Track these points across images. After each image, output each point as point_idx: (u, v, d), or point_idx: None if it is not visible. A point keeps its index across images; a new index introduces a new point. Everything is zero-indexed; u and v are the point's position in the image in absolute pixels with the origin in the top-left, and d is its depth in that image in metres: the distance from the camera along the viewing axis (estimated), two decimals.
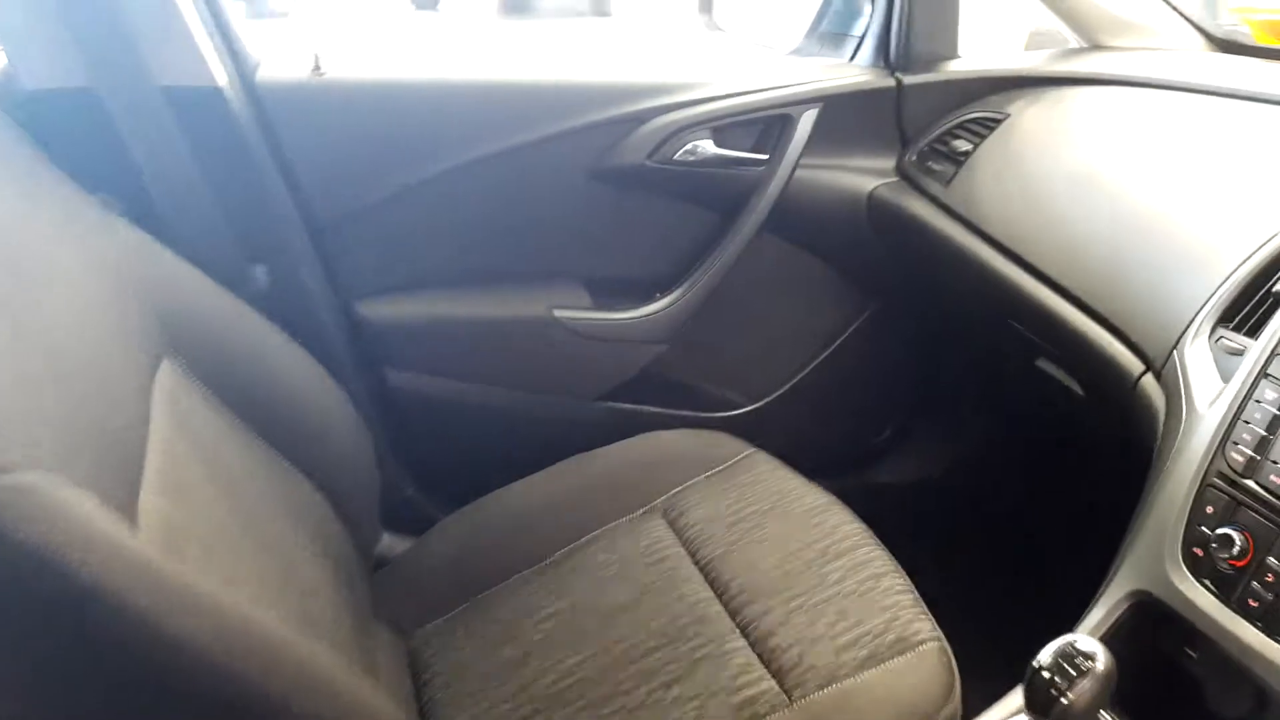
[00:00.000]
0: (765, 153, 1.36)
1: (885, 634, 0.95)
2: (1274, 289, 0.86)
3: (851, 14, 1.42)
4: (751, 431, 1.30)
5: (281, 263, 1.29)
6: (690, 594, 1.03)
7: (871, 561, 1.04)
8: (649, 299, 1.45)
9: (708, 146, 1.34)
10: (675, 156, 1.34)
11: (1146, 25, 1.35)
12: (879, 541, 1.07)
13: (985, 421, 1.72)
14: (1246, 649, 0.76)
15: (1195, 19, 1.36)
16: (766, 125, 1.36)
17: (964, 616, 1.06)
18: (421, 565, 1.17)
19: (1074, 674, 0.69)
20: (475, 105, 1.32)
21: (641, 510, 1.16)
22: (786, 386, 1.63)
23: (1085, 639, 0.71)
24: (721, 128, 1.34)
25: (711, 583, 1.05)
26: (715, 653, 0.96)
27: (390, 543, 1.42)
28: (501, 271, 1.44)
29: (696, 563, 1.08)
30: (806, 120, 1.34)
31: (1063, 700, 0.69)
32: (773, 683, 0.92)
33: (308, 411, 1.01)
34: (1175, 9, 1.34)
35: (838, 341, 1.62)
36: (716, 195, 1.41)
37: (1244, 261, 0.90)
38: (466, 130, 1.31)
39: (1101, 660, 0.69)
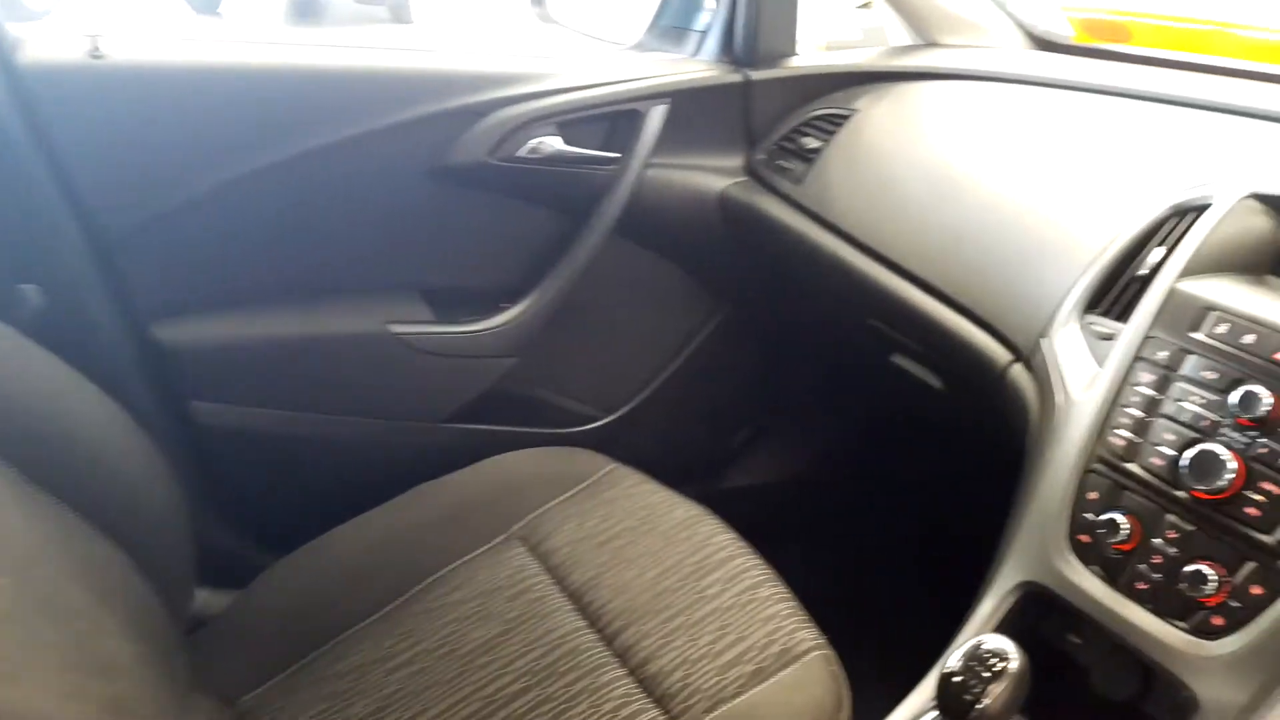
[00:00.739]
0: (613, 150, 1.29)
1: (769, 647, 0.92)
2: (1138, 272, 0.87)
3: (693, 9, 1.39)
4: (610, 445, 1.24)
5: (57, 282, 1.11)
6: (560, 625, 0.96)
7: (748, 571, 1.01)
8: (495, 310, 1.35)
9: (554, 143, 1.25)
10: (519, 154, 1.24)
11: (978, 23, 1.39)
12: (753, 550, 1.04)
13: (841, 419, 1.73)
14: (1137, 631, 0.76)
15: (1019, 18, 1.41)
16: (613, 122, 1.29)
17: (842, 618, 1.04)
18: (247, 622, 1.03)
19: (987, 676, 0.66)
20: (291, 94, 1.17)
21: (499, 539, 1.08)
22: (643, 395, 1.57)
23: (993, 638, 0.69)
24: (568, 123, 1.26)
25: (583, 610, 0.98)
26: (592, 686, 0.90)
27: (208, 599, 1.25)
28: (327, 284, 1.29)
29: (565, 590, 1.01)
30: (656, 116, 1.29)
31: (979, 705, 0.66)
32: (657, 711, 0.87)
33: (101, 458, 0.85)
34: (1003, 8, 1.39)
35: (693, 345, 1.57)
36: (564, 196, 1.33)
37: (1106, 247, 0.91)
38: (282, 123, 1.16)
39: (1014, 661, 0.67)
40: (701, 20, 1.36)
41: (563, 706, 0.87)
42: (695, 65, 1.36)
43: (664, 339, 1.57)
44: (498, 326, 1.34)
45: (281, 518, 1.24)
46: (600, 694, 0.89)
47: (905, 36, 1.43)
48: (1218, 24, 1.23)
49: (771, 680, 0.89)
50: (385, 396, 1.36)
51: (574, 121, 1.27)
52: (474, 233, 1.34)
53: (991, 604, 0.85)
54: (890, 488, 1.66)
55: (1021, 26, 1.41)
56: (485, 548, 1.07)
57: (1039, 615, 0.84)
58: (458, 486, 1.16)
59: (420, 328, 1.33)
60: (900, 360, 1.23)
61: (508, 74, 1.25)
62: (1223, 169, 0.90)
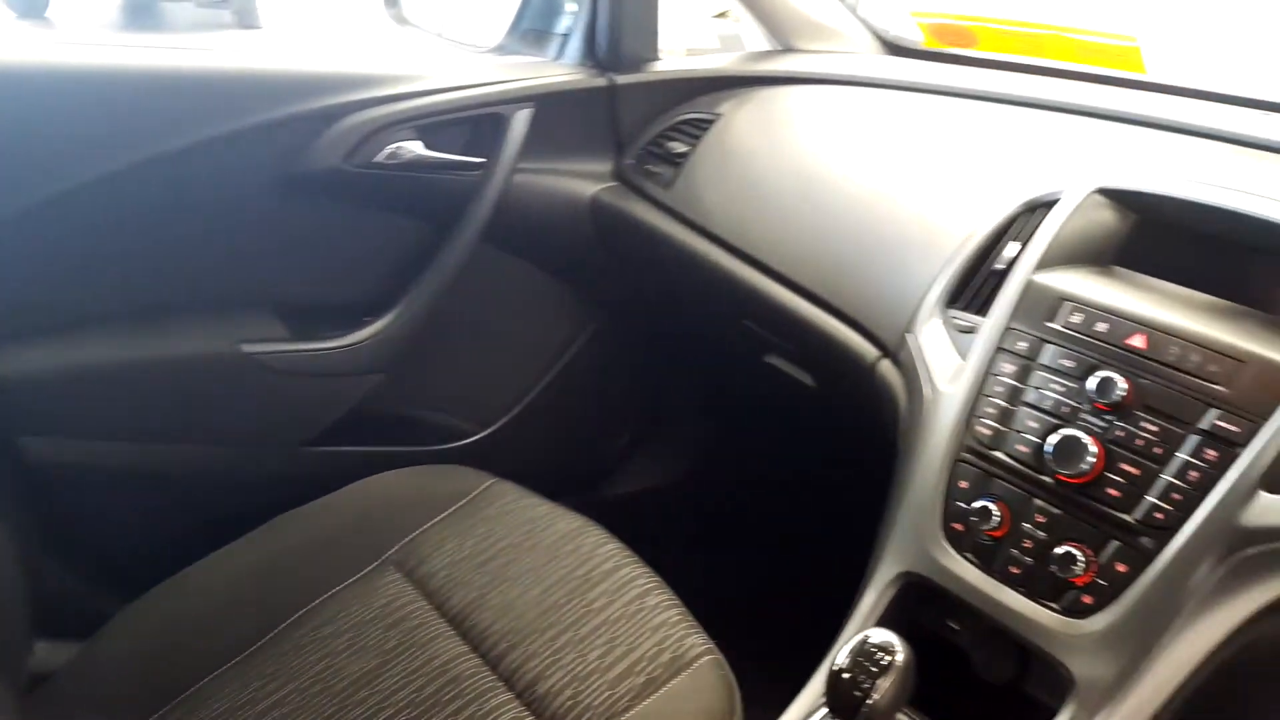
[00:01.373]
0: (477, 156, 1.25)
1: (659, 656, 0.90)
2: (995, 267, 0.90)
3: (554, 11, 1.36)
4: (488, 460, 1.20)
5: None
6: (442, 652, 0.92)
7: (634, 581, 0.99)
8: (358, 325, 1.28)
9: (414, 148, 1.20)
10: (377, 159, 1.18)
11: (833, 29, 1.42)
12: (639, 558, 1.02)
13: (721, 422, 1.74)
14: (1012, 614, 0.78)
15: (872, 25, 1.46)
16: (476, 126, 1.25)
17: (730, 621, 1.03)
18: (93, 674, 0.95)
19: (874, 671, 0.67)
20: (131, 98, 1.07)
21: (371, 566, 1.02)
22: (520, 407, 1.53)
23: (879, 632, 0.70)
24: (428, 128, 1.21)
25: (465, 635, 0.94)
26: (479, 713, 0.86)
27: (49, 652, 1.14)
28: (173, 302, 1.20)
29: (445, 615, 0.97)
30: (521, 120, 1.25)
31: (868, 701, 0.66)
32: None
33: None
34: (855, 15, 1.42)
35: (569, 354, 1.54)
36: (428, 203, 1.28)
37: (964, 243, 0.94)
38: (120, 129, 1.08)
39: (900, 654, 0.68)
40: (563, 24, 1.34)
41: None
42: (559, 69, 1.34)
43: (539, 348, 1.53)
44: (360, 342, 1.27)
45: (130, 559, 1.15)
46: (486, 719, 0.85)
47: (762, 43, 1.45)
48: (1056, 29, 1.30)
49: (663, 690, 0.87)
50: (240, 422, 1.27)
51: (435, 126, 1.22)
52: (332, 243, 1.28)
53: (873, 596, 0.86)
54: (771, 488, 1.68)
55: (874, 32, 1.45)
56: (356, 577, 1.01)
57: (919, 604, 0.86)
58: (324, 513, 1.10)
59: (275, 346, 1.25)
60: (774, 360, 1.24)
61: (362, 76, 1.19)
62: (1070, 166, 0.95)
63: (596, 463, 1.72)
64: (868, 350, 1.00)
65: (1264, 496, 0.69)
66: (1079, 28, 1.27)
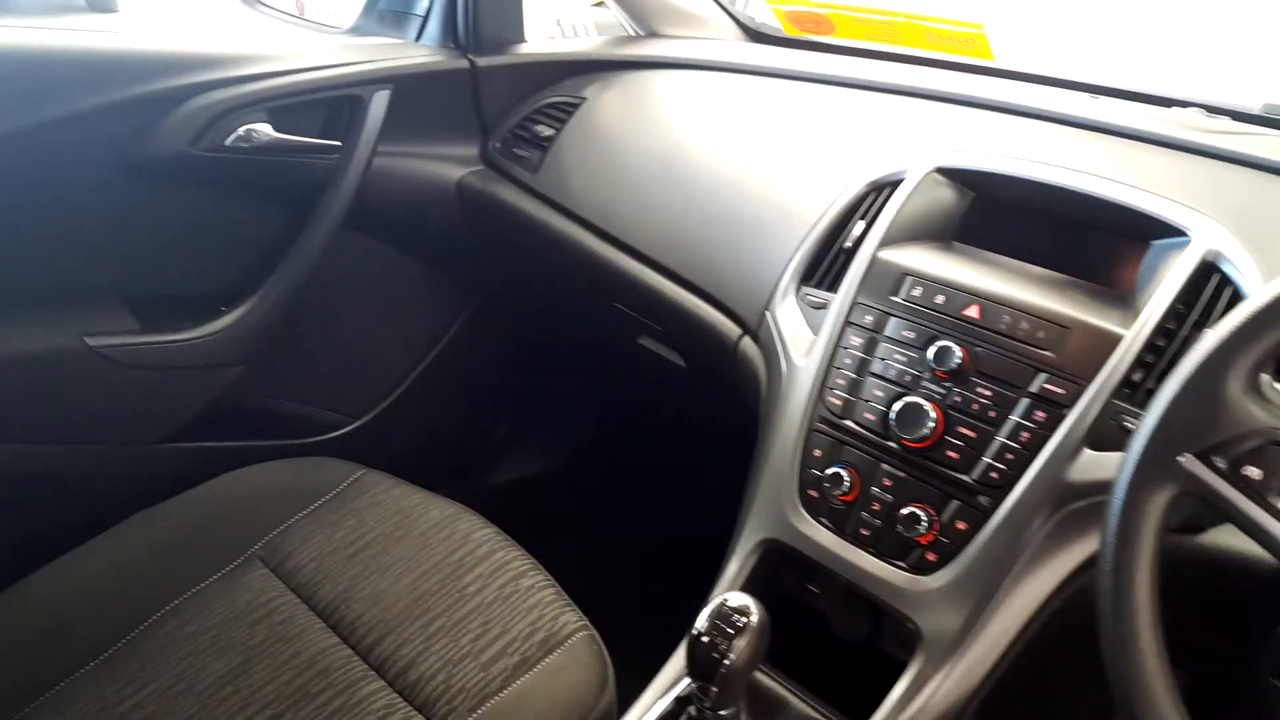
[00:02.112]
0: (335, 139, 1.22)
1: (533, 636, 0.91)
2: (844, 245, 0.94)
3: None
4: (360, 452, 1.17)
5: None
6: (310, 645, 0.90)
7: (509, 564, 0.99)
8: (213, 315, 1.23)
9: (267, 131, 1.16)
10: (227, 143, 1.14)
11: (697, 16, 1.45)
12: (514, 543, 1.02)
13: (600, 407, 1.75)
14: (863, 574, 0.82)
15: (734, 12, 1.49)
16: (333, 108, 1.22)
17: (610, 601, 1.05)
18: None
19: (731, 633, 0.69)
20: None
21: (235, 563, 0.99)
22: (392, 397, 1.50)
23: (736, 596, 0.72)
24: (282, 110, 1.17)
25: (335, 627, 0.92)
26: (349, 703, 0.85)
27: None
28: (9, 296, 1.13)
29: (313, 608, 0.94)
30: (379, 102, 1.22)
31: (725, 661, 0.68)
32: (421, 718, 0.84)
33: None
34: (719, 3, 1.45)
35: (443, 342, 1.52)
36: (285, 188, 1.24)
37: (816, 223, 0.98)
38: None
39: (755, 615, 0.70)
40: (422, 4, 1.32)
41: None
42: (418, 50, 1.31)
43: (411, 337, 1.51)
44: (217, 333, 1.22)
45: None
46: (358, 709, 0.84)
47: (628, 28, 1.47)
48: (908, 16, 1.35)
49: (537, 668, 0.88)
50: (89, 420, 1.21)
51: (288, 108, 1.18)
52: (183, 231, 1.22)
53: (737, 564, 0.89)
54: (651, 469, 1.70)
55: (736, 19, 1.48)
56: (220, 574, 0.98)
57: (780, 569, 0.90)
58: (184, 510, 1.05)
59: (123, 339, 1.19)
60: (646, 342, 1.26)
61: (208, 56, 1.14)
62: (914, 147, 0.99)
63: (475, 453, 1.70)
64: (730, 329, 1.03)
65: (1088, 453, 0.75)
66: (929, 15, 1.32)
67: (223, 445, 1.31)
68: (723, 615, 0.70)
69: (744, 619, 0.70)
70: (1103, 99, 1.11)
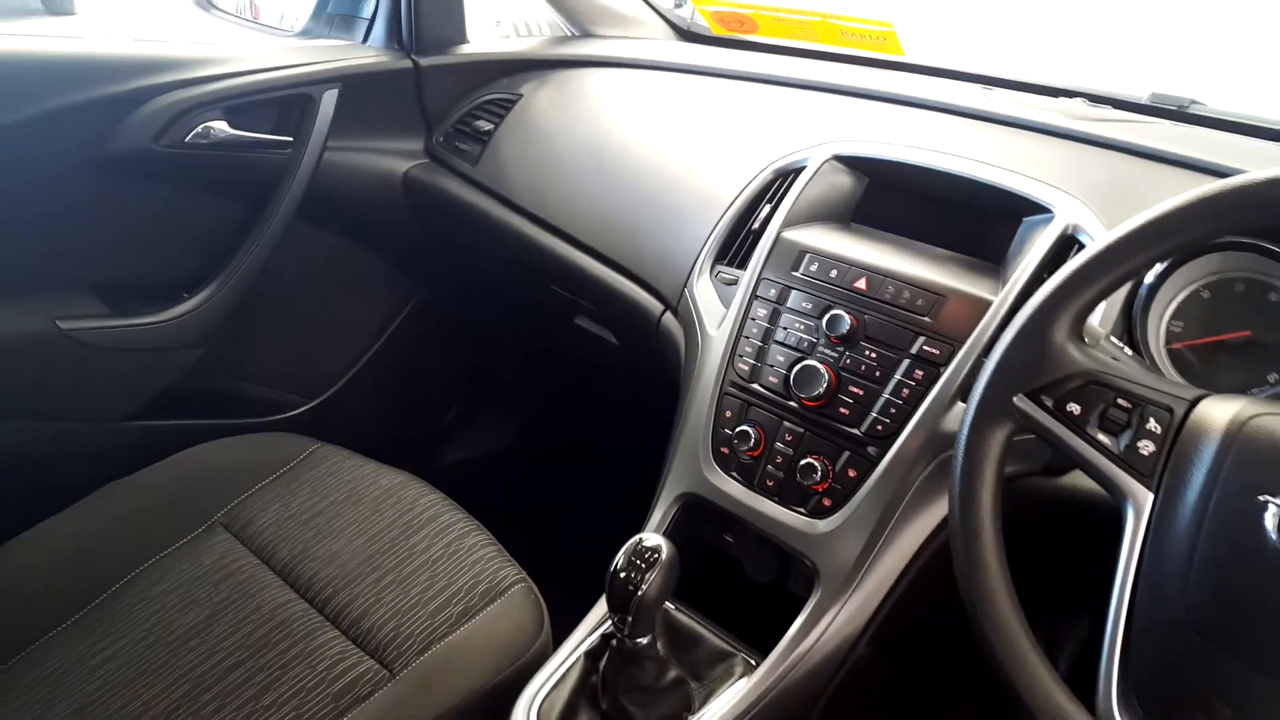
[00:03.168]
0: (287, 135, 1.30)
1: (475, 587, 0.99)
2: (753, 227, 1.03)
3: None
4: (315, 430, 1.24)
5: None
6: (270, 600, 0.98)
7: (455, 525, 1.06)
8: (176, 300, 1.31)
9: (224, 128, 1.24)
10: (187, 140, 1.22)
11: (629, 17, 1.53)
12: (459, 506, 1.10)
13: (543, 387, 1.83)
14: (769, 520, 0.91)
15: (666, 13, 1.57)
16: (285, 107, 1.29)
17: (550, 557, 1.12)
18: None
19: (644, 567, 0.78)
20: None
21: (200, 529, 1.07)
22: (346, 378, 1.58)
23: (650, 536, 0.80)
24: (237, 109, 1.25)
25: (293, 584, 1.00)
26: (306, 651, 0.93)
27: None
28: None
29: (273, 568, 1.02)
30: (328, 100, 1.30)
31: (638, 593, 0.77)
32: (372, 662, 0.92)
33: None
34: (650, 5, 1.54)
35: (393, 327, 1.60)
36: (241, 181, 1.32)
37: (728, 208, 1.07)
38: None
39: (665, 551, 0.79)
40: (367, 8, 1.40)
41: (277, 673, 0.90)
42: (365, 51, 1.39)
43: (363, 322, 1.58)
44: (180, 317, 1.30)
45: None
46: (314, 656, 0.91)
47: (566, 29, 1.55)
48: (823, 15, 1.45)
49: (479, 616, 0.96)
50: (61, 398, 1.28)
51: (243, 107, 1.26)
52: (147, 222, 1.30)
53: (659, 515, 0.98)
54: (591, 440, 1.79)
55: (667, 20, 1.57)
56: (186, 539, 1.05)
57: (699, 521, 0.99)
58: (151, 481, 1.12)
59: (94, 323, 1.26)
60: (582, 322, 1.35)
61: (168, 59, 1.21)
62: (816, 137, 1.08)
63: (427, 432, 1.78)
64: (654, 305, 1.12)
65: (960, 405, 0.84)
66: (843, 14, 1.42)
67: (187, 423, 1.38)
68: (637, 553, 0.79)
69: (655, 555, 0.78)
70: (997, 90, 1.21)
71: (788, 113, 1.19)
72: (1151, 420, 0.61)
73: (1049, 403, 0.64)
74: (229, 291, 1.32)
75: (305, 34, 1.45)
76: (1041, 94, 1.20)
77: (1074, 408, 0.63)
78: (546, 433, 1.83)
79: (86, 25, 1.32)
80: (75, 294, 1.27)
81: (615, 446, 1.72)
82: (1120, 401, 0.62)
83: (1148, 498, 0.60)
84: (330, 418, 1.55)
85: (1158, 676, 0.58)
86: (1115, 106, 1.16)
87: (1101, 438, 0.62)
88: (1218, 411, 0.59)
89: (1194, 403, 0.60)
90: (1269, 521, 0.55)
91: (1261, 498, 0.55)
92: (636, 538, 0.80)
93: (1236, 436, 0.58)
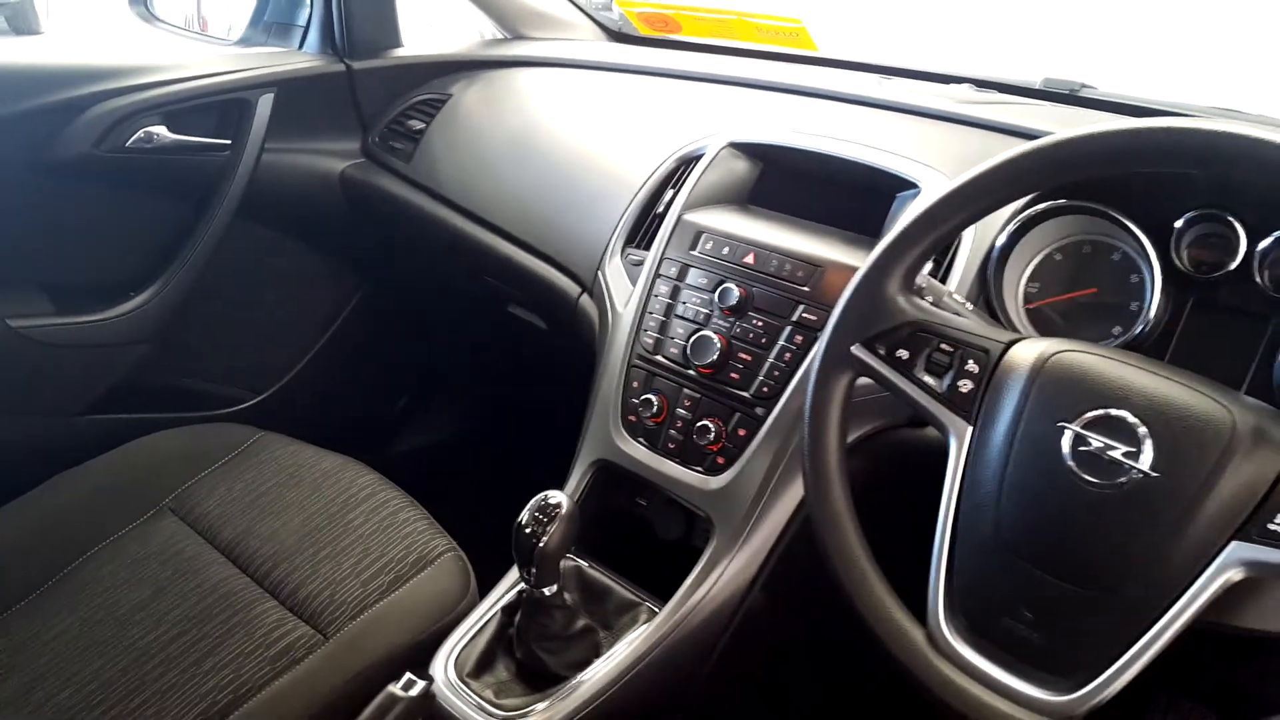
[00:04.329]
0: (227, 139, 1.36)
1: (406, 557, 1.04)
2: (658, 211, 1.11)
3: (294, 4, 1.47)
4: (263, 423, 1.30)
5: None
6: (213, 576, 1.03)
7: (390, 502, 1.12)
8: (123, 299, 1.37)
9: (163, 133, 1.30)
10: (128, 144, 1.28)
11: (559, 19, 1.60)
12: (395, 485, 1.16)
13: (485, 375, 1.90)
14: (671, 480, 0.98)
15: (595, 15, 1.65)
16: (223, 111, 1.36)
17: (495, 538, 1.18)
18: None
19: (545, 520, 0.84)
20: None
21: (148, 514, 1.12)
22: (292, 373, 1.64)
23: (554, 493, 0.87)
24: (176, 114, 1.31)
25: (235, 560, 1.06)
26: (246, 619, 0.98)
27: None
28: None
29: (217, 547, 1.08)
30: (264, 104, 1.37)
31: (540, 545, 0.84)
32: (307, 628, 0.97)
33: None
34: (579, 7, 1.61)
35: (338, 322, 1.66)
36: (183, 183, 1.38)
37: (636, 194, 1.14)
38: None
39: (565, 505, 0.85)
40: (302, 15, 1.46)
41: (217, 641, 0.95)
42: (299, 57, 1.46)
43: (308, 317, 1.65)
44: (126, 314, 1.36)
45: None
46: (254, 625, 0.97)
47: (497, 32, 1.62)
48: (739, 14, 1.53)
49: (409, 583, 1.02)
50: (13, 393, 1.34)
51: (182, 112, 1.32)
52: (93, 224, 1.36)
53: (574, 480, 1.05)
54: (532, 422, 1.84)
55: (596, 21, 1.64)
56: (135, 524, 1.10)
57: (613, 487, 1.06)
58: (101, 470, 1.18)
59: (42, 320, 1.32)
60: (515, 310, 1.42)
61: (106, 68, 1.27)
62: (718, 126, 1.16)
63: (376, 425, 1.84)
64: (571, 288, 1.19)
65: None
66: (756, 13, 1.50)
67: (136, 417, 1.43)
68: (540, 509, 0.86)
69: (556, 510, 0.85)
70: (893, 79, 1.29)
71: (695, 105, 1.26)
72: (970, 362, 0.68)
73: (881, 350, 0.71)
74: (174, 289, 1.38)
75: (244, 42, 1.52)
76: (934, 81, 1.28)
77: (903, 353, 0.70)
78: (490, 418, 1.90)
79: (58, 42, 1.38)
80: (25, 294, 1.33)
81: (550, 425, 1.79)
82: (944, 346, 0.69)
83: (967, 430, 0.67)
84: (278, 411, 1.61)
85: (975, 588, 0.65)
86: (1003, 91, 1.24)
87: (927, 379, 0.69)
88: (1026, 351, 0.67)
89: (1008, 345, 0.68)
90: (1064, 444, 0.62)
91: (1059, 424, 0.63)
92: (540, 495, 0.87)
93: (1040, 372, 0.65)
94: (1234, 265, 0.79)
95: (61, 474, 1.17)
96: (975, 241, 0.90)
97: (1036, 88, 1.26)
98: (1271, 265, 0.78)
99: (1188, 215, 0.80)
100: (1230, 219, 0.78)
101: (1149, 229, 0.82)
